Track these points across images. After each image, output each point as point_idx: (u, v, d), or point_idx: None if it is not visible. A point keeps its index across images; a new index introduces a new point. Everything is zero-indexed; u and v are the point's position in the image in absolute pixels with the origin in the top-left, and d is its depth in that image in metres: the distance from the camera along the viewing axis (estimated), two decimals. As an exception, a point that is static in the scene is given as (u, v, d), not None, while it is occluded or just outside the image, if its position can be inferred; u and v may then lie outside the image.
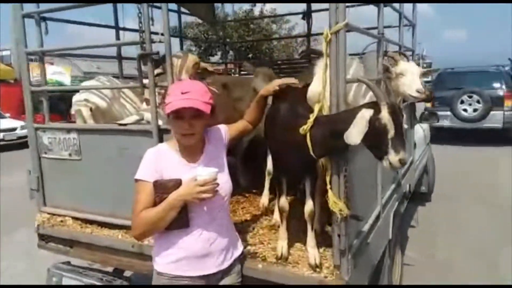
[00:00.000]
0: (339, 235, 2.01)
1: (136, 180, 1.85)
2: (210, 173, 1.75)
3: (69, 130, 2.78)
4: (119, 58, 3.68)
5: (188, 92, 1.76)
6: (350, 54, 3.33)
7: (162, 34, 2.34)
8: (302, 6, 4.74)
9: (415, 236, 4.91)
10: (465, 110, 10.62)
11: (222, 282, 1.95)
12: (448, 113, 10.63)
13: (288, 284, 2.10)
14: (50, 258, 3.14)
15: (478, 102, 10.48)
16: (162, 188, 1.80)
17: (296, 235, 2.40)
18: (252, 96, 3.05)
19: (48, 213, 2.99)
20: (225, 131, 2.05)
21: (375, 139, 1.71)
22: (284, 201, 2.23)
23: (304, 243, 2.34)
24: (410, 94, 2.72)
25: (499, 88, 10.83)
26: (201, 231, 1.86)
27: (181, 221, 1.83)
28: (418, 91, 2.71)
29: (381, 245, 2.86)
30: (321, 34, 4.52)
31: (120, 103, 3.11)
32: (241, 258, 2.09)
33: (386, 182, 3.05)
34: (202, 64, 2.76)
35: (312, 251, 2.15)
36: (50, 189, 2.99)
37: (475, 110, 10.53)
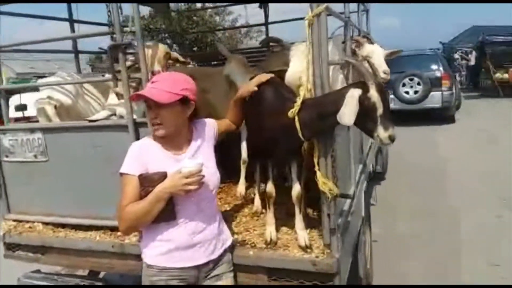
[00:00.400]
0: (328, 215, 2.06)
1: (121, 174, 1.80)
2: (195, 164, 1.72)
3: (33, 130, 2.61)
4: (76, 52, 3.48)
5: (156, 82, 1.73)
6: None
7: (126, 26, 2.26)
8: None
9: (376, 213, 5.13)
10: (406, 92, 11.17)
11: (214, 272, 1.94)
12: (392, 96, 11.14)
13: (282, 267, 2.12)
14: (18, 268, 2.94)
15: (418, 84, 11.06)
16: (148, 182, 1.76)
17: (280, 220, 2.43)
18: (222, 85, 3.03)
19: (14, 220, 2.80)
20: (213, 124, 2.03)
21: (365, 117, 1.77)
22: (271, 186, 2.25)
23: (289, 226, 2.38)
24: (377, 75, 2.82)
25: (437, 70, 11.49)
26: (188, 222, 1.83)
27: (167, 213, 1.80)
28: (385, 72, 2.81)
29: (357, 223, 2.97)
30: (278, 22, 4.55)
31: (84, 99, 2.96)
32: (231, 247, 2.08)
33: (356, 163, 3.16)
34: (173, 54, 2.69)
35: (301, 233, 2.19)
36: (15, 194, 2.80)
37: (416, 92, 11.10)
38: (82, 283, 2.67)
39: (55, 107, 2.70)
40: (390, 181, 6.32)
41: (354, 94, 1.77)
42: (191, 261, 1.85)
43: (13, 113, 17.46)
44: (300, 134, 1.93)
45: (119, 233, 2.55)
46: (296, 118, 1.92)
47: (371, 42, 2.99)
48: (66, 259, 2.65)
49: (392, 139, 1.76)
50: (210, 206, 1.91)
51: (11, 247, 2.83)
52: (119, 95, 2.61)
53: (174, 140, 1.82)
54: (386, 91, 1.80)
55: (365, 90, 1.75)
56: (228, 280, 2.00)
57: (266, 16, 4.73)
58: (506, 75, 15.61)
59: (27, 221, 2.78)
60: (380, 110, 1.74)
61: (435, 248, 4.09)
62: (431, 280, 3.50)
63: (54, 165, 2.63)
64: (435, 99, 11.11)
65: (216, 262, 1.94)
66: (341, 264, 2.10)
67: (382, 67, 2.82)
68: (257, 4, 4.67)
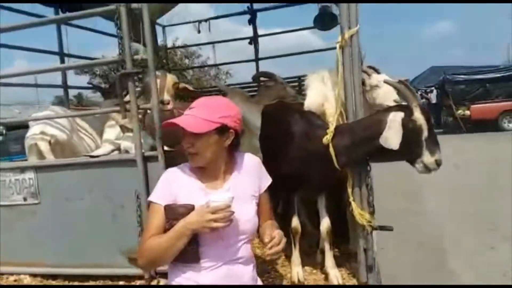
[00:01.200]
0: (365, 249, 1.90)
1: (149, 203, 1.57)
2: (224, 198, 1.52)
3: (23, 169, 2.34)
4: (65, 86, 3.26)
5: (193, 108, 1.55)
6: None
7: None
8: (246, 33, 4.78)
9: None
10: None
11: None
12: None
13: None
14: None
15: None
16: (172, 214, 1.54)
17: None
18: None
19: (-5, 274, 2.45)
20: (263, 179, 1.73)
21: (409, 142, 1.66)
22: (296, 221, 2.07)
23: (313, 265, 2.20)
24: (388, 105, 2.78)
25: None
26: (215, 268, 1.59)
27: (190, 254, 1.56)
28: (395, 101, 2.77)
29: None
30: (269, 58, 4.51)
31: (78, 136, 2.72)
32: None
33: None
34: (182, 85, 2.54)
35: (333, 272, 2.01)
36: (-3, 243, 2.46)
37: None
38: None
39: (50, 143, 2.44)
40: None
41: (396, 117, 1.67)
42: None
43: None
44: (335, 162, 1.80)
45: (121, 282, 2.27)
46: (330, 144, 1.79)
47: (377, 71, 2.97)
48: (59, 315, 2.32)
49: (438, 164, 1.66)
50: (241, 253, 1.63)
51: (-12, 305, 2.46)
52: (124, 128, 2.40)
53: (211, 171, 1.61)
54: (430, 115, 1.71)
55: (409, 113, 1.66)
56: None
57: (257, 50, 4.71)
58: (467, 112, 16.40)
59: (10, 274, 2.43)
60: (425, 133, 1.65)
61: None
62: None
63: (47, 208, 2.35)
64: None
65: None
66: (381, 304, 1.92)
67: (392, 96, 2.79)
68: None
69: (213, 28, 5.00)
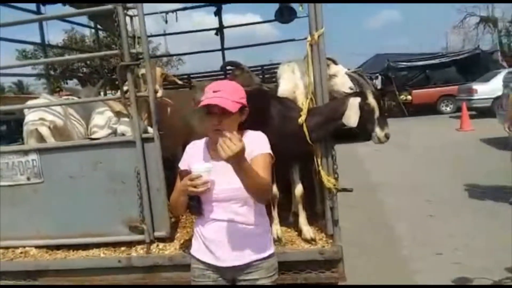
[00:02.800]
0: (331, 208, 2.38)
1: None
2: (199, 169, 1.80)
3: (26, 152, 2.59)
4: (48, 75, 3.45)
5: (219, 91, 1.87)
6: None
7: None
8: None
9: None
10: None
11: (249, 276, 1.95)
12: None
13: (291, 260, 2.36)
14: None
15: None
16: (182, 177, 1.91)
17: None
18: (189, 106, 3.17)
19: (1, 248, 2.68)
20: (255, 150, 1.92)
21: (365, 120, 2.14)
22: (275, 188, 2.50)
23: (289, 224, 2.65)
24: (344, 91, 3.25)
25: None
26: (214, 222, 1.93)
27: (195, 208, 1.95)
28: (350, 88, 3.25)
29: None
30: (235, 48, 4.89)
31: (70, 121, 2.97)
32: (268, 257, 1.98)
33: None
34: (170, 76, 2.86)
35: (305, 228, 2.47)
36: (2, 220, 2.68)
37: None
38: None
39: (49, 128, 2.68)
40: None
41: (355, 101, 2.13)
42: (214, 260, 1.93)
43: None
44: (307, 138, 2.24)
45: (123, 248, 2.60)
46: (304, 124, 2.23)
47: (335, 63, 3.43)
48: (66, 280, 2.60)
49: (387, 136, 2.15)
50: (239, 213, 1.92)
51: (-4, 276, 2.70)
52: (120, 114, 2.70)
53: None
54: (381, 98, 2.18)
55: (364, 97, 2.12)
56: (262, 285, 1.96)
57: (222, 41, 5.05)
58: (409, 97, 17.58)
59: (16, 247, 2.68)
60: (377, 113, 2.12)
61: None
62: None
63: (50, 186, 2.61)
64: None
65: (243, 269, 1.94)
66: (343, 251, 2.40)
67: (347, 84, 3.26)
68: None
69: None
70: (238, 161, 1.67)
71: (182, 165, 1.94)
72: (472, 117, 12.45)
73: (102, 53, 2.44)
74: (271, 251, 2.00)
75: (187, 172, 1.86)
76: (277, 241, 2.46)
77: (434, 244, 4.15)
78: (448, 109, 17.25)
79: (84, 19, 4.93)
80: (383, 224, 4.97)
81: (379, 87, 21.19)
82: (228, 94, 1.84)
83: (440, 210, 5.18)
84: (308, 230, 2.46)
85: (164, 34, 5.74)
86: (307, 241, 2.45)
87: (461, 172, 6.78)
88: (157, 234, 2.55)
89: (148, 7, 2.48)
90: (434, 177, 6.83)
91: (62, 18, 3.37)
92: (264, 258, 1.96)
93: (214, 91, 1.85)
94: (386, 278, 3.51)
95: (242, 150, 1.64)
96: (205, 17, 5.05)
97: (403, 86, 18.27)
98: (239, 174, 1.75)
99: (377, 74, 21.30)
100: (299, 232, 2.54)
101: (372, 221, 5.10)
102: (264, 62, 5.69)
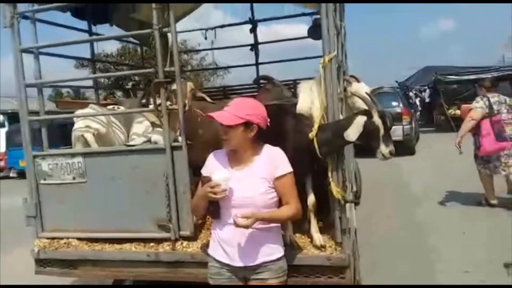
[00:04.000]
0: (340, 218, 2.54)
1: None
2: (218, 178, 2.03)
3: (73, 155, 2.97)
4: (96, 87, 3.88)
5: (228, 106, 2.13)
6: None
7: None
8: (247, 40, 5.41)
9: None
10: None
11: (260, 276, 2.15)
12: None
13: (301, 264, 2.54)
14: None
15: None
16: (203, 182, 2.17)
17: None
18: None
19: (48, 238, 3.07)
20: (278, 169, 2.14)
21: (370, 137, 2.30)
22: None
23: (302, 231, 2.83)
24: (365, 108, 3.41)
25: (397, 106, 12.52)
26: (229, 224, 2.14)
27: (213, 212, 2.20)
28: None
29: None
30: (269, 62, 5.15)
31: (112, 129, 3.34)
32: (278, 260, 2.19)
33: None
34: (199, 94, 3.15)
35: (316, 235, 2.65)
36: (49, 213, 3.08)
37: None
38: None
39: (94, 135, 3.07)
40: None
41: (360, 120, 2.30)
42: (229, 260, 2.17)
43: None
44: (318, 152, 2.43)
45: (152, 244, 2.89)
46: (315, 139, 2.43)
47: (357, 80, 3.58)
48: (101, 270, 2.94)
49: (392, 153, 2.29)
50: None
51: (42, 263, 3.08)
52: (154, 124, 3.02)
53: (239, 156, 2.16)
54: (387, 116, 2.34)
55: (370, 116, 2.29)
56: (271, 284, 2.16)
57: (257, 56, 5.33)
58: (458, 111, 17.00)
59: (61, 238, 3.06)
60: (382, 131, 2.28)
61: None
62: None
63: (92, 186, 2.97)
64: (397, 133, 12.01)
65: (254, 269, 2.15)
66: (351, 259, 2.56)
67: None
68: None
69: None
70: (255, 221, 2.01)
71: (204, 172, 2.20)
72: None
73: (140, 71, 2.77)
74: (280, 254, 2.21)
75: (208, 179, 2.11)
76: (289, 245, 2.65)
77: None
78: (499, 125, 16.48)
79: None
80: (417, 235, 5.02)
81: (427, 100, 20.74)
82: (233, 109, 2.09)
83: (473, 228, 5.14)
84: (318, 238, 2.64)
85: (201, 50, 6.16)
86: (317, 247, 2.62)
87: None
88: (182, 233, 2.82)
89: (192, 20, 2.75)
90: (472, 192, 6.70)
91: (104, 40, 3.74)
92: (273, 261, 2.18)
93: (226, 106, 2.12)
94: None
95: (252, 222, 1.99)
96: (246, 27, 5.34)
97: (453, 100, 17.70)
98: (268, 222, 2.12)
99: (425, 87, 20.78)
100: (311, 239, 2.72)
101: (407, 231, 5.17)
102: (302, 73, 5.92)
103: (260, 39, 5.36)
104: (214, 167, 2.20)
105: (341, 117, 2.63)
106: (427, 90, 20.25)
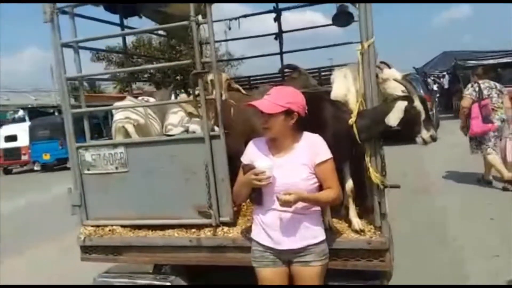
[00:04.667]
0: (379, 202, 2.59)
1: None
2: (263, 165, 2.11)
3: (115, 145, 3.07)
4: (128, 80, 3.98)
5: (269, 95, 2.19)
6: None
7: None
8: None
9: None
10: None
11: (303, 259, 2.23)
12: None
13: (341, 248, 2.61)
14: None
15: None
16: (245, 171, 2.24)
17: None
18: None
19: (92, 226, 3.19)
20: (318, 155, 2.21)
21: (412, 122, 2.34)
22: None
23: (340, 217, 2.89)
24: (397, 94, 3.42)
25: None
26: (273, 210, 2.23)
27: (256, 198, 2.28)
28: (403, 91, 3.41)
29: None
30: (293, 51, 5.15)
31: (149, 120, 3.44)
32: (319, 243, 2.27)
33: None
34: (234, 85, 3.22)
35: (355, 220, 2.71)
36: (93, 202, 3.20)
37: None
38: (157, 277, 3.06)
39: (134, 126, 3.17)
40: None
41: (401, 105, 2.34)
42: (273, 243, 2.26)
43: (2, 144, 17.33)
44: (357, 137, 2.48)
45: (193, 230, 2.99)
46: (354, 125, 2.47)
47: (389, 66, 3.59)
48: (145, 256, 3.06)
49: (433, 138, 2.33)
50: (295, 206, 2.16)
51: (88, 250, 3.22)
52: (192, 114, 3.11)
53: (279, 144, 2.24)
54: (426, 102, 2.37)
55: (411, 101, 2.32)
56: (314, 266, 2.25)
57: (281, 45, 5.35)
58: (478, 97, 16.71)
59: (105, 226, 3.18)
60: (423, 116, 2.31)
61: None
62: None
63: (134, 175, 3.07)
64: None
65: (298, 252, 2.24)
66: (390, 242, 2.61)
67: (400, 87, 3.41)
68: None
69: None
70: (299, 201, 2.10)
71: (245, 159, 2.27)
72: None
73: (178, 62, 2.83)
74: (322, 237, 2.30)
75: (250, 167, 2.19)
76: (328, 230, 2.71)
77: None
78: (522, 110, 16.21)
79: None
80: (441, 225, 5.03)
81: (446, 86, 20.43)
82: (274, 98, 2.15)
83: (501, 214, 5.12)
84: (357, 222, 2.70)
85: (227, 40, 6.12)
86: (356, 232, 2.68)
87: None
88: (222, 219, 2.91)
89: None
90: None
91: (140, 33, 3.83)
92: (316, 244, 2.26)
93: (266, 94, 2.17)
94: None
95: (296, 200, 2.07)
96: (266, 16, 5.37)
97: (472, 86, 17.41)
98: (309, 203, 2.20)
99: (444, 73, 20.47)
100: (350, 223, 2.78)
101: (431, 221, 5.18)
102: (324, 60, 5.94)
103: (272, 29, 5.35)
104: (255, 155, 2.27)
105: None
106: (446, 76, 19.96)
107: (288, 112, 2.15)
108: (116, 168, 3.10)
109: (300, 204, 2.17)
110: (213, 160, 2.87)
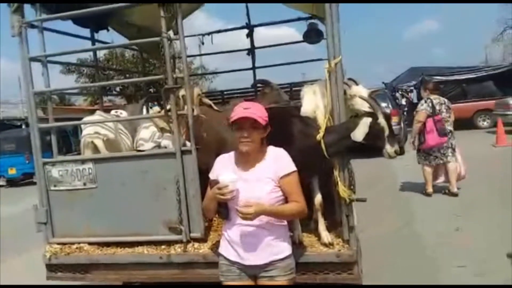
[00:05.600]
0: (347, 216, 2.65)
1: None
2: (226, 180, 2.12)
3: (83, 161, 3.02)
4: (101, 94, 3.94)
5: (249, 108, 2.21)
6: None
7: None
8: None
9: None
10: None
11: (269, 274, 2.23)
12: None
13: (310, 261, 2.64)
14: None
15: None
16: (211, 185, 2.25)
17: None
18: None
19: (58, 244, 3.11)
20: (282, 169, 2.23)
21: (376, 138, 2.42)
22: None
23: (308, 231, 2.93)
24: (364, 110, 3.52)
25: (386, 107, 12.74)
26: (239, 225, 2.24)
27: (223, 213, 2.28)
28: (369, 108, 3.52)
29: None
30: (266, 66, 5.24)
31: (119, 135, 3.41)
32: (286, 258, 2.27)
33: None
34: (205, 100, 3.24)
35: (324, 233, 2.76)
36: (60, 219, 3.13)
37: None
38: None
39: (103, 140, 3.12)
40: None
41: (366, 121, 2.42)
42: (239, 258, 2.26)
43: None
44: (325, 153, 2.54)
45: (163, 246, 2.96)
46: (322, 141, 2.53)
47: (356, 83, 3.70)
48: (114, 274, 3.00)
49: (397, 153, 2.41)
50: (261, 221, 2.19)
51: (54, 268, 3.13)
52: (164, 129, 3.10)
53: (246, 158, 2.25)
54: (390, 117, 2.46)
55: (375, 118, 2.41)
56: (279, 281, 2.24)
57: (254, 60, 5.42)
58: (444, 111, 17.29)
59: (72, 243, 3.10)
60: (387, 132, 2.40)
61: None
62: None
63: (102, 191, 3.02)
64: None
65: (263, 267, 2.24)
66: (358, 255, 2.67)
67: (366, 104, 3.53)
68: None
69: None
70: (260, 214, 2.10)
71: (212, 175, 2.29)
72: (508, 132, 12.24)
73: (150, 77, 2.83)
74: (288, 253, 2.31)
75: (216, 182, 2.20)
76: (298, 244, 2.75)
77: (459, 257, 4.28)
78: (485, 123, 16.93)
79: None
80: (411, 233, 5.15)
81: (414, 101, 21.05)
82: (256, 111, 2.19)
83: (468, 225, 5.27)
84: (326, 235, 2.75)
85: (202, 55, 6.15)
86: (325, 245, 2.73)
87: (496, 188, 6.85)
88: (193, 235, 2.90)
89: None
90: (466, 192, 6.86)
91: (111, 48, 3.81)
92: (281, 259, 2.27)
93: (245, 108, 2.19)
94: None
95: (257, 212, 2.07)
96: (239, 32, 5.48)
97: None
98: (271, 217, 2.19)
99: (412, 88, 21.12)
100: (319, 237, 2.82)
101: (402, 230, 5.30)
102: (297, 74, 6.07)
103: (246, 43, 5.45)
104: (221, 170, 2.28)
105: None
106: (414, 91, 20.60)
107: (265, 126, 2.21)
108: (84, 184, 3.05)
109: (265, 218, 2.19)
110: (184, 175, 2.87)
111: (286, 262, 2.29)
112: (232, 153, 2.34)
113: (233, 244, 2.27)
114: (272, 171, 2.24)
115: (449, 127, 6.70)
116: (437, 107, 6.60)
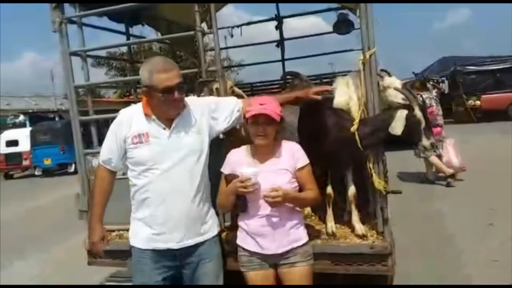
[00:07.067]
0: (382, 208, 2.65)
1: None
2: (248, 173, 2.17)
3: (123, 151, 3.12)
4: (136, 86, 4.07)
5: (265, 104, 2.27)
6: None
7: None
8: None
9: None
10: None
11: (289, 260, 2.31)
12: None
13: (344, 253, 2.67)
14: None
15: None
16: (228, 181, 2.30)
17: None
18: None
19: (99, 231, 3.24)
20: (299, 161, 2.34)
21: (412, 130, 2.40)
22: (330, 189, 2.83)
23: (343, 222, 2.95)
24: (397, 102, 3.48)
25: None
26: (258, 216, 2.30)
27: (241, 206, 2.34)
28: (403, 99, 3.48)
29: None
30: (294, 58, 5.24)
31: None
32: (304, 245, 2.35)
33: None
34: (237, 90, 3.30)
35: (358, 225, 2.77)
36: (101, 208, 3.24)
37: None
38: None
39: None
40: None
41: (403, 114, 2.41)
42: (259, 248, 2.31)
43: (4, 149, 17.36)
44: (359, 145, 2.54)
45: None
46: (356, 132, 2.54)
47: (389, 74, 3.66)
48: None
49: (432, 145, 2.39)
50: (279, 211, 2.27)
51: (94, 254, 3.26)
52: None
53: (260, 152, 2.32)
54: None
55: (411, 110, 2.39)
56: (300, 267, 2.32)
57: (283, 52, 5.43)
58: (478, 102, 16.84)
59: (112, 230, 3.23)
60: (423, 124, 2.38)
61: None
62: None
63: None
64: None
65: (284, 255, 2.29)
66: (392, 247, 2.67)
67: (400, 95, 3.48)
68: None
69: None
70: (286, 199, 2.18)
71: (226, 170, 2.34)
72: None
73: (186, 71, 2.88)
74: (306, 239, 2.39)
75: (233, 176, 2.26)
76: (331, 235, 2.78)
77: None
78: (521, 115, 16.36)
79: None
80: (442, 230, 5.08)
81: (446, 91, 20.52)
82: (273, 107, 2.26)
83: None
84: (360, 227, 2.76)
85: (232, 47, 6.20)
86: (359, 236, 2.74)
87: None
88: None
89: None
90: (499, 186, 6.69)
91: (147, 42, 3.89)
92: (300, 246, 2.34)
93: (260, 104, 2.25)
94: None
95: (284, 196, 2.15)
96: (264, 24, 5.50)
97: (472, 91, 17.52)
98: (293, 203, 2.28)
99: (443, 79, 20.55)
100: (352, 229, 2.84)
101: (431, 227, 5.23)
102: (324, 65, 6.06)
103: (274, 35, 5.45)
104: (237, 164, 2.33)
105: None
106: (446, 81, 20.05)
107: (280, 121, 2.29)
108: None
109: (283, 208, 2.27)
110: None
111: (304, 249, 2.36)
112: (244, 147, 2.40)
113: (252, 235, 2.33)
114: (288, 163, 2.33)
115: (440, 121, 7.43)
116: (428, 101, 6.97)
